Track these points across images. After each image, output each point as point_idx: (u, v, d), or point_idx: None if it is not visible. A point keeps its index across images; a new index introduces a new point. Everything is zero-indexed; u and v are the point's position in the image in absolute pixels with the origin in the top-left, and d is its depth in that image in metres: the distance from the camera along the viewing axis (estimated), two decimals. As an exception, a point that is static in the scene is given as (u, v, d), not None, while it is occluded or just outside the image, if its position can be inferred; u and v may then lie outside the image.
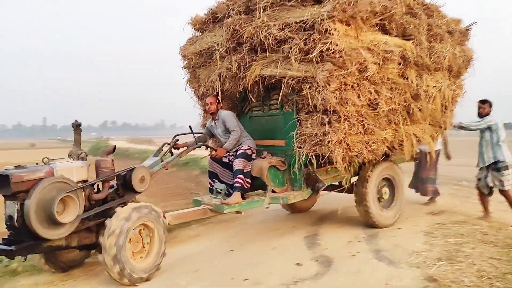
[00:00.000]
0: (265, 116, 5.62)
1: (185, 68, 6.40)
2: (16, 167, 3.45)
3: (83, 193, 3.71)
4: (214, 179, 5.30)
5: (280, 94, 5.00)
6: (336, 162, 4.71)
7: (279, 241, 5.17)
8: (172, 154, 4.78)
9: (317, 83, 4.53)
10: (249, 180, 5.00)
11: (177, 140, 5.00)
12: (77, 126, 4.12)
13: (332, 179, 5.40)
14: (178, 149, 4.86)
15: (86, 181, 3.77)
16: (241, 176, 4.86)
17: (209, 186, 5.34)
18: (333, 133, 4.59)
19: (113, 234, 3.52)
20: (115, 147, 4.12)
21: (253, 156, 5.19)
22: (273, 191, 5.08)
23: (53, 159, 3.73)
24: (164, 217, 4.45)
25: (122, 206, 3.75)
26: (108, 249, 3.49)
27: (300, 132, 4.93)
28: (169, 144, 4.94)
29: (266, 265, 4.22)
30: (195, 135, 5.07)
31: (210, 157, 5.27)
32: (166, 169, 4.58)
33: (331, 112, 4.63)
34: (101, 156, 3.98)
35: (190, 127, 4.96)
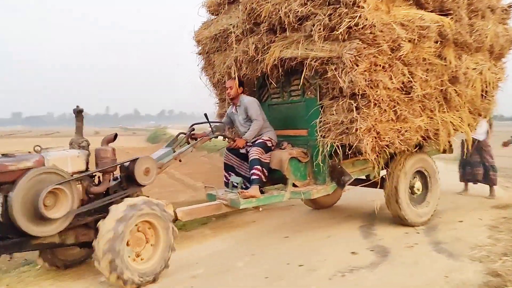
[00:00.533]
0: (285, 104, 5.14)
1: (200, 54, 5.97)
2: (3, 155, 3.10)
3: (79, 185, 3.33)
4: (230, 172, 4.86)
5: (302, 79, 4.52)
6: (365, 153, 4.20)
7: (334, 229, 5.08)
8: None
9: (344, 63, 4.02)
10: (266, 173, 4.55)
11: (193, 129, 4.60)
12: (78, 112, 3.73)
13: (359, 172, 4.87)
14: (196, 139, 4.45)
15: (83, 172, 3.38)
16: (258, 167, 4.42)
17: (224, 179, 4.90)
18: (362, 120, 4.09)
19: (107, 238, 3.12)
20: (116, 135, 3.70)
21: (272, 148, 4.73)
22: (294, 185, 4.61)
23: (47, 148, 3.37)
24: (175, 212, 4.08)
25: (121, 201, 3.37)
26: (101, 255, 3.11)
27: (324, 120, 4.45)
28: (185, 133, 4.54)
29: (321, 253, 4.20)
30: (211, 124, 4.63)
31: (227, 148, 4.82)
32: (180, 161, 4.16)
33: (360, 97, 4.11)
34: (101, 145, 3.58)
35: (205, 115, 4.51)
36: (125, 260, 3.18)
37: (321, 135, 4.43)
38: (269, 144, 4.68)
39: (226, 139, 4.71)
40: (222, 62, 5.39)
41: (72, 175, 3.23)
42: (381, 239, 4.54)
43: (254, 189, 4.36)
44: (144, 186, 3.60)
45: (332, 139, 4.32)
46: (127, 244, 3.27)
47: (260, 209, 4.57)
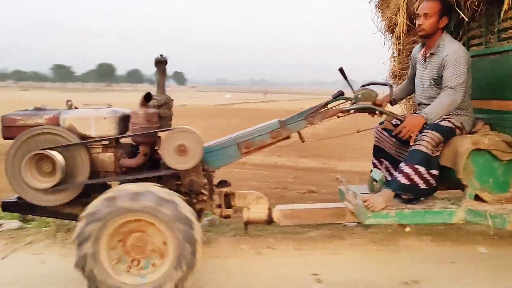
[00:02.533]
0: (489, 55, 3.01)
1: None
2: (36, 109, 2.61)
3: (111, 154, 2.59)
4: (381, 159, 3.17)
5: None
6: None
7: None
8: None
9: None
10: (433, 178, 2.69)
11: (341, 94, 2.82)
12: (160, 63, 2.86)
13: None
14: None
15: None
16: (417, 166, 2.61)
17: (373, 167, 3.27)
18: None
19: (78, 241, 2.25)
20: (147, 94, 2.67)
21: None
22: (476, 198, 2.64)
23: (88, 104, 2.68)
24: (269, 211, 2.85)
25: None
26: (77, 261, 2.23)
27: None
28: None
29: None
30: (352, 86, 2.92)
31: (383, 128, 2.98)
32: (303, 141, 2.79)
33: None
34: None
35: (341, 70, 2.79)
36: (104, 269, 2.27)
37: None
38: (458, 132, 2.76)
39: (383, 115, 2.79)
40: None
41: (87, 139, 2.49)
42: None
43: (380, 196, 2.65)
44: (178, 170, 2.51)
45: None
46: (112, 248, 2.32)
47: (407, 229, 2.82)
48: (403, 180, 2.63)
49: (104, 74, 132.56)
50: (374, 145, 3.17)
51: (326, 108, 2.74)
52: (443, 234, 3.51)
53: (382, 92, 2.99)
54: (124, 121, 2.65)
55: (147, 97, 2.63)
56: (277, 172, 5.90)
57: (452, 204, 2.69)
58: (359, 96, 2.71)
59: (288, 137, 2.78)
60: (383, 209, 2.61)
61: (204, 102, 31.06)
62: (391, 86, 2.90)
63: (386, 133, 3.03)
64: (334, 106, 2.78)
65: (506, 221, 2.42)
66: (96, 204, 2.28)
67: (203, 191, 2.73)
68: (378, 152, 3.15)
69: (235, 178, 5.20)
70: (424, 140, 2.62)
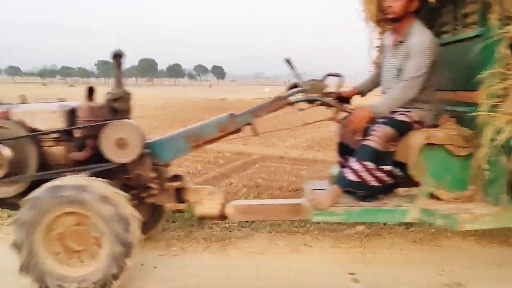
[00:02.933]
0: (456, 43, 2.80)
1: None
2: None
3: (62, 147, 2.63)
4: (346, 156, 2.99)
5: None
6: None
7: None
8: None
9: None
10: (382, 173, 2.56)
11: (295, 86, 2.74)
12: (116, 57, 2.88)
13: None
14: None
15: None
16: (365, 162, 2.49)
17: (338, 165, 3.13)
18: None
19: (17, 224, 2.29)
20: (90, 87, 2.67)
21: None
22: (433, 196, 2.48)
23: (41, 99, 2.76)
24: (222, 207, 2.81)
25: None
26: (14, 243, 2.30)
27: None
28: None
29: None
30: (297, 75, 2.70)
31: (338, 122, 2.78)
32: (256, 134, 2.72)
33: None
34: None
35: (287, 60, 2.67)
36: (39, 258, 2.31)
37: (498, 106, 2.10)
38: (409, 122, 2.58)
39: (331, 108, 2.65)
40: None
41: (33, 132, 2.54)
42: None
43: (328, 193, 2.53)
44: (118, 163, 2.51)
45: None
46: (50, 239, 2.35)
47: (361, 227, 2.68)
48: (351, 176, 2.51)
49: (146, 69, 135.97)
50: (338, 142, 3.05)
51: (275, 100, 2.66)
52: (489, 234, 3.22)
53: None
54: (73, 115, 2.69)
55: (90, 91, 2.66)
56: (316, 167, 5.74)
57: (402, 202, 2.53)
58: (307, 87, 2.60)
59: (238, 131, 2.72)
60: (330, 206, 2.51)
61: (243, 96, 31.04)
62: (341, 76, 2.75)
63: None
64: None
65: (456, 221, 2.25)
66: (39, 191, 2.32)
67: (152, 185, 2.73)
68: (343, 149, 3.01)
69: (271, 172, 5.24)
70: (373, 135, 2.48)
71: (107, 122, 2.51)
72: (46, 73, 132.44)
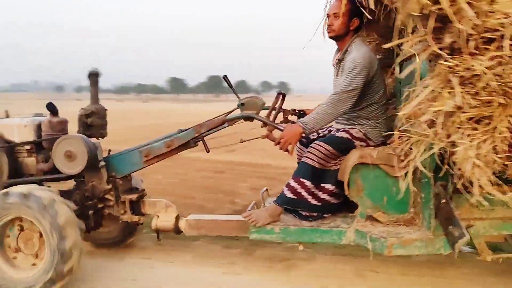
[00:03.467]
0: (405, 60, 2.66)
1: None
2: None
3: (29, 158, 2.91)
4: None
5: None
6: None
7: None
8: None
9: None
10: (322, 192, 2.49)
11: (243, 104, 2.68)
12: (92, 75, 3.12)
13: (490, 224, 2.06)
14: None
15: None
16: (302, 179, 2.45)
17: None
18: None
19: None
20: (49, 103, 2.88)
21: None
22: (373, 218, 2.36)
23: (18, 114, 3.05)
24: (177, 220, 2.89)
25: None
26: None
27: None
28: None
29: None
30: (237, 94, 2.76)
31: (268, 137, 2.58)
32: (207, 151, 2.78)
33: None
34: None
35: (225, 77, 2.73)
36: None
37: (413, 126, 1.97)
38: (356, 143, 2.51)
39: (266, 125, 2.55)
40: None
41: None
42: None
43: (266, 211, 2.50)
44: (67, 175, 2.69)
45: (437, 136, 1.81)
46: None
47: (300, 247, 2.57)
48: (288, 194, 2.48)
49: (214, 85, 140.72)
50: (298, 162, 2.99)
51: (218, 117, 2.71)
52: None
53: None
54: (40, 129, 2.93)
55: (49, 107, 2.87)
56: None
57: (345, 224, 2.43)
58: (244, 104, 2.62)
59: (187, 146, 2.79)
60: (267, 224, 2.48)
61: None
62: (282, 94, 2.73)
63: (302, 146, 2.86)
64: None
65: (384, 245, 2.14)
66: None
67: (108, 196, 2.89)
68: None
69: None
70: (310, 152, 2.44)
71: (57, 136, 2.71)
72: (121, 90, 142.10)
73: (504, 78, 1.43)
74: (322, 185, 2.47)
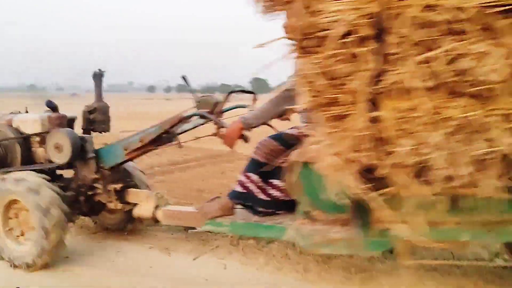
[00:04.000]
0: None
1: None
2: (11, 113, 3.46)
3: (40, 148, 3.28)
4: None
5: None
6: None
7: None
8: None
9: None
10: (270, 187, 2.54)
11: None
12: (96, 76, 3.51)
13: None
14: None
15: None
16: (249, 173, 2.54)
17: None
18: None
19: None
20: (48, 101, 3.22)
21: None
22: (309, 216, 2.36)
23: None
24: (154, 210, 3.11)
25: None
26: None
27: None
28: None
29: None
30: (194, 93, 2.88)
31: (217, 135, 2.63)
32: (180, 146, 2.97)
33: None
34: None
35: (183, 77, 2.85)
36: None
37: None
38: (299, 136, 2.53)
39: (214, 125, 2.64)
40: None
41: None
42: None
43: (217, 204, 2.59)
44: (58, 165, 3.00)
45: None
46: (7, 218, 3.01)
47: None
48: (237, 188, 2.58)
49: (257, 88, 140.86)
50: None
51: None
52: None
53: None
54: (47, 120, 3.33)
55: (48, 104, 3.25)
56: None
57: (280, 220, 2.47)
58: (199, 102, 2.74)
59: (162, 142, 3.00)
60: (218, 217, 2.60)
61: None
62: (254, 94, 2.81)
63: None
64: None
65: (309, 243, 2.15)
66: None
67: (97, 185, 3.20)
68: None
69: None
70: (257, 148, 2.52)
71: (50, 130, 3.08)
72: (207, 90, 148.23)
73: (340, 77, 1.40)
74: (270, 180, 2.52)
